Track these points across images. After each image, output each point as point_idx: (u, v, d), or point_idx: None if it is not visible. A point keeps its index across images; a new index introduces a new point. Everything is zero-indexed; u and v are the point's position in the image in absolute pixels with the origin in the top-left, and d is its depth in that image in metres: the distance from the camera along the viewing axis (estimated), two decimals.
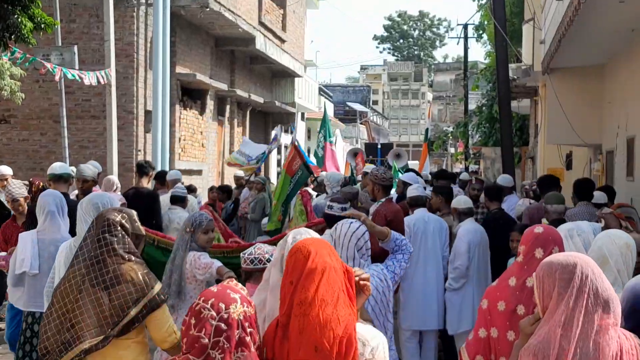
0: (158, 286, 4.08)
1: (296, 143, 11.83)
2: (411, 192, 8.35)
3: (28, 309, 6.18)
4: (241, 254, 5.02)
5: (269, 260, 4.66)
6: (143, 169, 10.75)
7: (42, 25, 10.90)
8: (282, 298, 2.97)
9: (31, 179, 11.29)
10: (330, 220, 6.04)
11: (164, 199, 10.22)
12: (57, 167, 8.48)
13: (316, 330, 2.82)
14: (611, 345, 2.80)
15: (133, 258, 4.10)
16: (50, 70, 11.88)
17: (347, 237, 4.54)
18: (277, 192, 11.13)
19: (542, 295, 2.92)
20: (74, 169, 9.56)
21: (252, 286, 4.54)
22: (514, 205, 10.40)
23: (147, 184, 10.86)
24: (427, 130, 29.96)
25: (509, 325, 4.05)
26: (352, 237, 4.55)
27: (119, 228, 4.13)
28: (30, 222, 7.40)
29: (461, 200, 8.37)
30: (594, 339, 2.77)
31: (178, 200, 9.89)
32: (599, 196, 8.93)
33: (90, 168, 9.27)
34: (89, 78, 13.10)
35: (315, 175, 12.58)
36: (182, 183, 11.56)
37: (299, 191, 10.90)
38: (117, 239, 4.08)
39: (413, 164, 26.97)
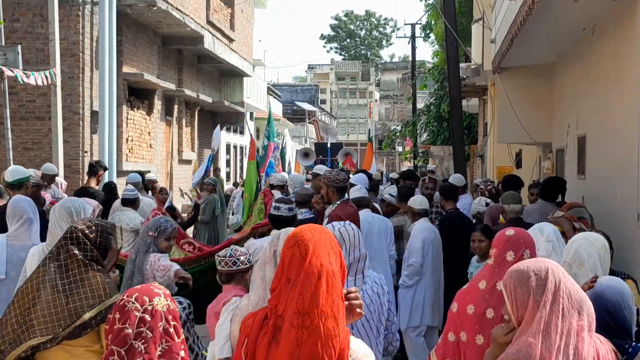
0: (117, 296, 3.98)
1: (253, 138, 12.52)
2: (353, 193, 8.26)
3: None
4: (217, 257, 5.15)
5: (249, 261, 4.88)
6: (92, 168, 10.73)
7: None
8: (279, 294, 2.74)
9: None
10: (276, 221, 6.30)
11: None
12: (11, 174, 8.31)
13: (317, 345, 2.62)
14: (589, 350, 2.79)
15: (95, 267, 4.13)
16: None
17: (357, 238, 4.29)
18: (248, 185, 11.38)
19: (516, 306, 2.86)
20: (33, 171, 9.34)
21: (234, 287, 4.78)
22: (468, 204, 10.42)
23: (97, 184, 10.70)
24: (369, 130, 30.10)
25: (477, 329, 4.02)
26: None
27: (81, 237, 4.16)
28: None
29: (417, 201, 8.30)
30: (574, 344, 2.74)
31: (129, 203, 9.97)
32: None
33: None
34: (34, 78, 12.76)
35: (261, 174, 12.78)
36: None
37: (262, 190, 10.96)
38: (80, 247, 4.13)
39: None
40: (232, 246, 5.32)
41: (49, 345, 3.93)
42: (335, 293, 2.69)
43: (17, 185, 8.30)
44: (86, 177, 11.62)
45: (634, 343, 3.33)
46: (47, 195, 9.37)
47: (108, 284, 4.12)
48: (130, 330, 2.92)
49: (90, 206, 5.65)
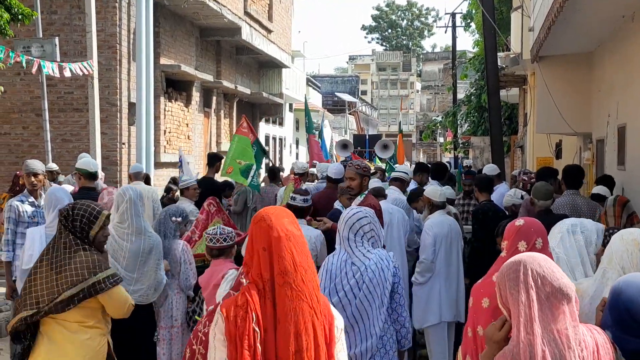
0: (103, 274, 4.39)
1: (245, 117, 12.39)
2: (371, 184, 8.31)
3: None
4: (206, 234, 5.73)
5: (234, 237, 5.54)
6: (212, 160, 11.66)
7: (20, 17, 10.67)
8: (259, 264, 3.04)
9: (17, 173, 11.11)
10: (293, 211, 6.14)
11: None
12: (91, 165, 8.55)
13: (306, 295, 3.01)
14: (586, 339, 2.79)
15: (86, 248, 4.47)
16: (25, 63, 11.64)
17: (344, 221, 4.94)
18: (237, 150, 11.26)
19: (503, 302, 2.90)
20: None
21: (224, 261, 5.34)
22: (502, 193, 10.25)
23: (214, 174, 11.48)
24: (399, 122, 30.16)
25: None
26: (347, 221, 4.93)
27: (69, 220, 4.49)
28: None
29: (437, 193, 8.09)
30: (559, 329, 2.75)
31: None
32: (600, 189, 8.76)
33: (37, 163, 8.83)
34: (71, 69, 12.86)
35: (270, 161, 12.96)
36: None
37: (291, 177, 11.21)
38: (71, 230, 4.47)
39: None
40: (219, 225, 5.94)
41: (35, 318, 4.29)
42: (306, 250, 3.10)
43: (90, 177, 8.48)
44: (206, 168, 12.18)
45: None
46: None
47: (94, 263, 4.41)
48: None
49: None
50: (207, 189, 10.07)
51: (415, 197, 9.00)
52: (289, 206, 6.76)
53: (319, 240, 6.82)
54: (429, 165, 12.09)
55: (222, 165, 11.49)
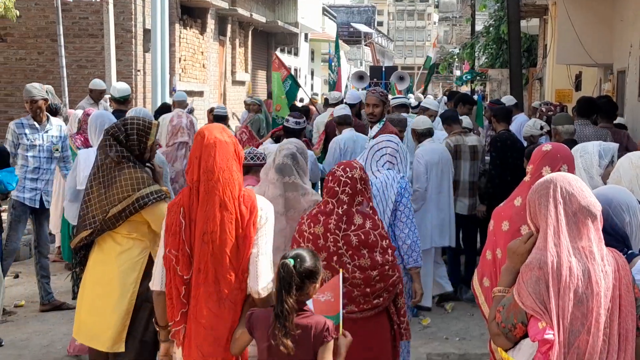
0: (146, 190, 4.52)
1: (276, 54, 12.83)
2: (338, 111, 8.72)
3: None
4: None
5: (264, 158, 5.73)
6: None
7: None
8: (191, 170, 3.71)
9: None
10: (286, 132, 7.81)
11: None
12: (123, 89, 9.52)
13: (219, 190, 3.63)
14: (608, 258, 2.87)
15: (129, 164, 4.56)
16: None
17: (371, 154, 5.43)
18: (279, 88, 11.61)
19: (531, 217, 3.00)
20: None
21: (250, 177, 5.50)
22: (523, 123, 10.15)
23: None
24: (428, 57, 29.65)
25: None
26: (370, 149, 5.47)
27: (111, 139, 4.57)
28: None
29: (419, 121, 8.10)
30: (584, 245, 2.84)
31: (221, 119, 11.22)
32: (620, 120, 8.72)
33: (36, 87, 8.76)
34: None
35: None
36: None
37: None
38: (110, 149, 4.55)
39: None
40: (250, 146, 6.58)
41: (94, 237, 4.56)
42: (229, 154, 3.67)
43: (123, 100, 9.52)
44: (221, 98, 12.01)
45: (630, 251, 3.23)
46: (90, 110, 9.41)
47: (138, 179, 4.53)
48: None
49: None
50: None
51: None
52: (283, 127, 7.56)
53: (310, 161, 6.93)
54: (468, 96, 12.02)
55: (272, 105, 11.97)
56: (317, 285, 3.48)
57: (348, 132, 8.35)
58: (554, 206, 2.90)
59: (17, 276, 8.89)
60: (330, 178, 4.36)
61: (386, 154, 5.43)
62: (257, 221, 3.69)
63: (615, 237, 3.20)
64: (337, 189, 4.28)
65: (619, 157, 4.50)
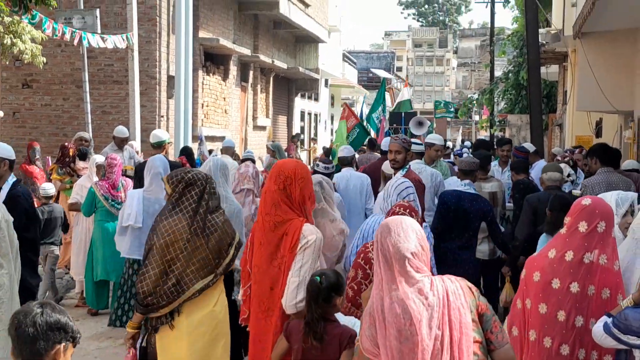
0: (238, 233, 5.17)
1: (346, 104, 13.06)
2: (340, 152, 9.71)
3: (130, 256, 7.43)
4: None
5: None
6: None
7: None
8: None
9: (67, 144, 11.26)
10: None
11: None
12: (157, 136, 10.34)
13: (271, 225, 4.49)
14: (436, 289, 3.12)
15: (220, 210, 5.04)
16: (68, 35, 11.74)
17: (393, 187, 5.68)
18: (337, 138, 12.54)
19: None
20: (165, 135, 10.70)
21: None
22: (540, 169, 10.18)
23: None
24: (437, 103, 29.96)
25: (541, 298, 3.97)
26: (396, 188, 5.66)
27: (208, 188, 4.97)
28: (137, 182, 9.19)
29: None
30: (399, 285, 3.09)
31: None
32: (629, 163, 8.79)
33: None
34: (112, 41, 12.96)
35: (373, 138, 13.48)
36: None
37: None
38: (209, 196, 4.95)
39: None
40: None
41: (211, 284, 4.85)
42: (283, 196, 4.40)
43: (157, 146, 10.22)
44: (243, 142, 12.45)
45: None
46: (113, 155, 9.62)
47: (229, 223, 5.06)
48: None
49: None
50: None
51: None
52: (314, 171, 7.97)
53: (337, 202, 7.69)
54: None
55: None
56: (342, 299, 4.05)
57: (344, 171, 9.17)
58: (376, 255, 3.18)
59: None
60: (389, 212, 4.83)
61: (411, 194, 5.65)
62: (298, 246, 4.31)
63: None
64: None
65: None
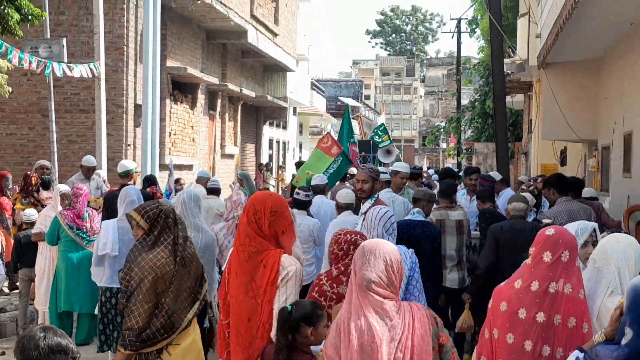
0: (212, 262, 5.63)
1: (331, 133, 13.36)
2: (314, 180, 10.15)
3: (110, 285, 7.39)
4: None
5: None
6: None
7: (30, 17, 10.71)
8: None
9: (29, 172, 11.17)
10: (296, 203, 8.50)
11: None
12: (124, 165, 10.82)
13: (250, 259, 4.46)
14: (403, 314, 3.36)
15: (189, 239, 5.20)
16: (34, 64, 11.66)
17: (377, 219, 5.61)
18: (310, 164, 12.47)
19: None
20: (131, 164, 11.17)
21: None
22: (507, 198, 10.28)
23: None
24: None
25: (508, 327, 4.00)
26: (380, 219, 5.61)
27: (177, 218, 5.14)
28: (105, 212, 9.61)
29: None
30: (367, 308, 3.35)
31: (214, 192, 11.63)
32: (587, 191, 8.97)
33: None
34: (78, 70, 12.90)
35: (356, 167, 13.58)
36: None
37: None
38: (181, 226, 5.10)
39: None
40: None
41: (198, 312, 5.06)
42: (254, 228, 4.40)
43: (124, 175, 10.59)
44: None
45: None
46: (80, 185, 9.59)
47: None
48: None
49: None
50: None
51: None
52: (293, 199, 8.35)
53: (316, 228, 8.38)
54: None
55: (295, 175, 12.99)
56: (314, 330, 3.98)
57: (317, 198, 9.50)
58: (352, 270, 3.48)
59: (3, 353, 8.80)
60: (340, 242, 4.83)
61: (394, 223, 5.72)
62: (278, 279, 4.32)
63: None
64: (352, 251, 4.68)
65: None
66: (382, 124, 19.98)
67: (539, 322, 3.91)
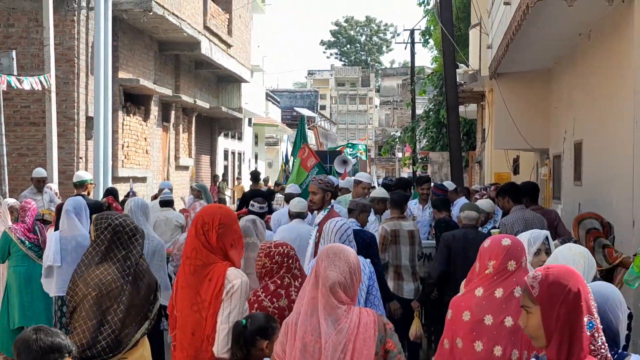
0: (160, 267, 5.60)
1: (307, 145, 14.10)
2: (288, 189, 10.47)
3: (60, 294, 7.26)
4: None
5: None
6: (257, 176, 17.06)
7: None
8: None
9: None
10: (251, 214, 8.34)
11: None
12: (79, 175, 11.27)
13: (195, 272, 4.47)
14: (351, 318, 3.51)
15: (143, 256, 5.02)
16: None
17: (333, 232, 5.58)
18: (292, 179, 12.87)
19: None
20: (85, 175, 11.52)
21: None
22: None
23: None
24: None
25: (475, 336, 4.05)
26: (337, 232, 5.58)
27: (137, 235, 4.96)
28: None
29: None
30: (326, 314, 3.49)
31: (168, 204, 11.44)
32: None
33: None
34: (28, 83, 12.72)
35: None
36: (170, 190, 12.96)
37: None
38: (137, 243, 4.93)
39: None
40: None
41: (146, 331, 4.90)
42: (202, 241, 4.41)
43: (79, 185, 11.00)
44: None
45: (620, 350, 3.34)
46: (28, 200, 9.46)
47: (150, 268, 5.10)
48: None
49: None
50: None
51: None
52: (248, 211, 8.30)
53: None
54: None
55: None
56: (269, 343, 4.00)
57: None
58: (312, 271, 3.61)
59: None
60: (272, 255, 4.79)
61: (350, 235, 5.70)
62: (223, 292, 4.30)
63: (607, 334, 3.24)
64: (290, 263, 4.77)
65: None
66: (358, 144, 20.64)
67: (507, 326, 3.98)
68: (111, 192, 12.03)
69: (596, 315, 2.77)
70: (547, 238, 4.89)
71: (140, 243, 4.98)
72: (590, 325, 2.71)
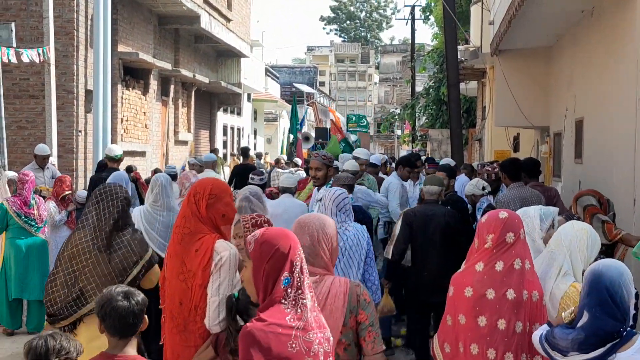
0: (150, 251, 5.19)
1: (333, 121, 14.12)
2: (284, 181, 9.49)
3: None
4: None
5: None
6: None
7: None
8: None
9: None
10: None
11: None
12: (114, 149, 11.86)
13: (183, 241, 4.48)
14: (325, 285, 3.67)
15: (129, 229, 5.07)
16: None
17: (331, 199, 5.68)
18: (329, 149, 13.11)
19: None
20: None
21: None
22: (464, 183, 10.34)
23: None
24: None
25: (479, 311, 4.06)
26: (335, 199, 5.67)
27: (119, 205, 5.02)
28: None
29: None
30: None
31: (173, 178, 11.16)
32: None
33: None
34: (27, 55, 12.65)
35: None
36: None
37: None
38: (118, 214, 4.98)
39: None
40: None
41: None
42: (192, 209, 4.44)
43: (115, 160, 11.53)
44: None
45: (628, 328, 3.35)
46: (26, 171, 9.47)
47: (141, 241, 5.15)
48: None
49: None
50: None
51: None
52: (249, 184, 7.98)
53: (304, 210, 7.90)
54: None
55: None
56: None
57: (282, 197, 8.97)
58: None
59: None
60: (248, 227, 4.82)
61: (347, 203, 5.78)
62: (212, 265, 4.29)
63: (618, 310, 3.31)
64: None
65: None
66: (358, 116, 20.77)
67: (510, 299, 3.99)
68: (132, 169, 12.23)
69: (297, 274, 3.08)
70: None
71: (126, 215, 5.10)
72: (286, 281, 3.04)
